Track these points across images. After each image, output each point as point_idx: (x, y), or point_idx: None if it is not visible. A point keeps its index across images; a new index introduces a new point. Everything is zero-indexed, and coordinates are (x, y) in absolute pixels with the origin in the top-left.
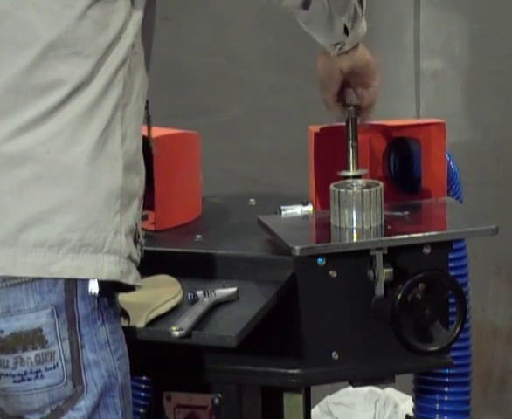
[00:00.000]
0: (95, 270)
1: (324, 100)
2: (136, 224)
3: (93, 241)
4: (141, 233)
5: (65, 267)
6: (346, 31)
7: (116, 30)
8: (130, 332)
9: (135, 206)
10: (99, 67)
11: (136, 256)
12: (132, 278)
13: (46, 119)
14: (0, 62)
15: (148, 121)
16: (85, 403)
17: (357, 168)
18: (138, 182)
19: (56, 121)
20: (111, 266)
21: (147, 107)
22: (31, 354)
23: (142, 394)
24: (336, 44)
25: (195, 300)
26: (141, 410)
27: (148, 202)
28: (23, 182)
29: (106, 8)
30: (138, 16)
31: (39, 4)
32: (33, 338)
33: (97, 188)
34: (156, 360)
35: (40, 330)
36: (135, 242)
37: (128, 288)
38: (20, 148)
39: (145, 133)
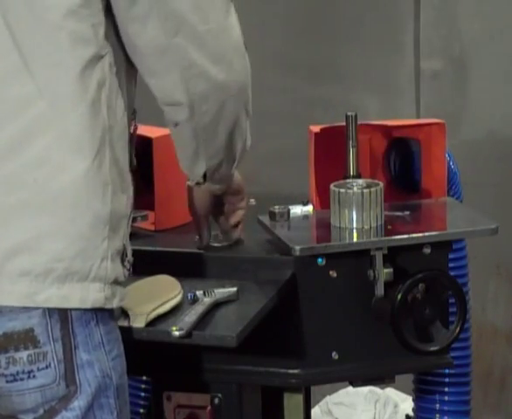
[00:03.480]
0: (80, 298)
1: (196, 222)
2: (124, 244)
3: (80, 269)
4: (130, 251)
5: (51, 296)
6: (204, 177)
7: (96, 45)
8: (130, 332)
9: (124, 225)
10: (79, 85)
11: (122, 277)
12: (116, 301)
13: (29, 139)
14: None
15: (134, 132)
16: (78, 403)
17: (357, 168)
18: (125, 201)
19: (40, 144)
20: (96, 294)
21: (134, 118)
22: (23, 354)
23: (142, 394)
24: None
25: (195, 300)
26: (141, 410)
27: (148, 202)
28: (10, 208)
29: (85, 21)
30: (112, 31)
31: (16, 13)
32: (25, 338)
33: (85, 215)
34: (156, 360)
35: (32, 330)
36: (123, 261)
37: None
38: (5, 174)
39: (144, 133)
